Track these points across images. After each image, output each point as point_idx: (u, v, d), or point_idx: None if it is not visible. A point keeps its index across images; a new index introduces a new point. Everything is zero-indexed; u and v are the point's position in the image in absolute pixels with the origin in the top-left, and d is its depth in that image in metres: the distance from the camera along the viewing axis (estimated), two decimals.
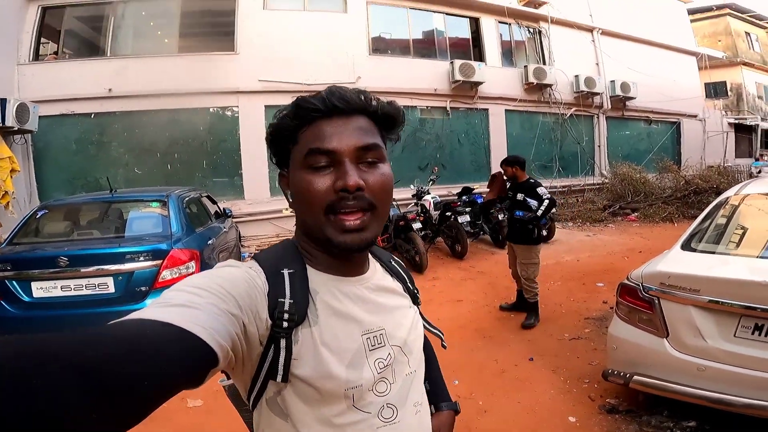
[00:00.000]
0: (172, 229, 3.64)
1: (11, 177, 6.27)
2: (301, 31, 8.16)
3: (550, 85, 10.27)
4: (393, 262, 0.84)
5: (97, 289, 3.20)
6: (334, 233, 0.63)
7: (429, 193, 6.96)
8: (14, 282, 3.16)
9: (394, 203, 6.51)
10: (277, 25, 8.07)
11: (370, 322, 0.69)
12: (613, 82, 11.14)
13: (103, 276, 3.21)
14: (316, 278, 0.67)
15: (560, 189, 10.06)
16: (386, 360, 0.68)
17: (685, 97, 12.77)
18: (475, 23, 10.18)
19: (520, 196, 3.90)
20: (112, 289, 3.20)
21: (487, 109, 9.95)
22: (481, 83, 9.32)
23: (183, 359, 0.43)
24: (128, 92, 7.27)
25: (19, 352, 0.31)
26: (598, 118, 11.53)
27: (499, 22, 10.32)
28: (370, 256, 0.77)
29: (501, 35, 10.40)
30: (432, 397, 0.89)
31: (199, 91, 7.47)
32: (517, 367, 3.20)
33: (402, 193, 7.42)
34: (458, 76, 8.95)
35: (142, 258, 3.23)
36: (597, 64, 11.43)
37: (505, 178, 4.34)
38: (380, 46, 9.13)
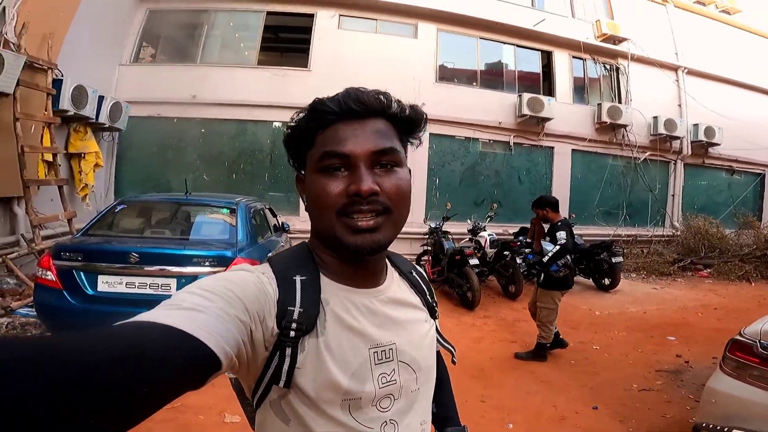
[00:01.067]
0: (238, 238, 3.67)
1: (94, 171, 6.74)
2: (372, 53, 8.34)
3: (624, 126, 9.70)
4: (414, 273, 0.81)
5: (160, 289, 3.25)
6: (344, 234, 0.62)
7: (485, 230, 6.87)
8: (82, 273, 3.21)
9: (449, 237, 6.32)
10: (349, 46, 8.31)
11: (380, 336, 0.67)
12: (696, 125, 10.23)
13: (167, 277, 3.26)
14: (328, 287, 0.66)
15: (625, 238, 9.43)
16: (390, 375, 0.67)
17: None
18: (546, 57, 9.90)
19: (547, 239, 3.91)
20: (173, 291, 3.24)
21: (552, 147, 9.56)
22: (549, 119, 9.00)
23: (185, 364, 0.43)
24: (209, 100, 7.70)
25: (19, 355, 0.31)
26: (675, 164, 10.69)
27: (573, 56, 9.96)
28: (388, 264, 0.76)
29: (574, 70, 10.01)
30: (439, 420, 0.87)
31: (271, 104, 7.77)
32: (579, 414, 3.03)
33: (457, 227, 7.25)
34: (525, 110, 8.69)
35: (207, 263, 3.26)
36: (680, 105, 10.61)
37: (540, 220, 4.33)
38: (446, 75, 9.12)
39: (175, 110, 7.73)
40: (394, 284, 0.75)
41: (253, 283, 0.59)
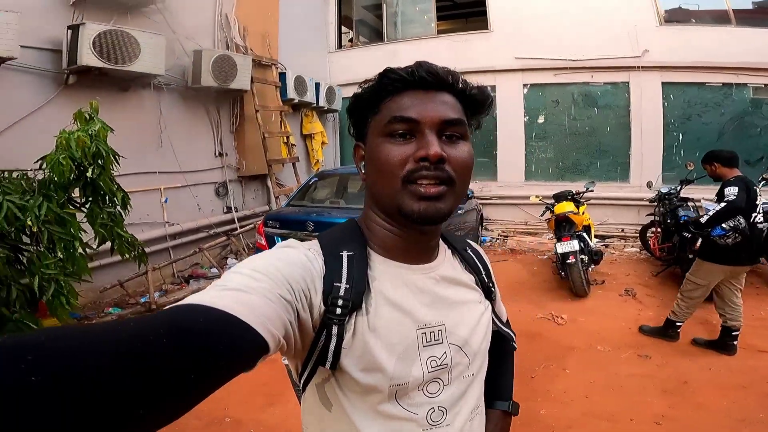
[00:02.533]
0: None
1: (322, 148, 8.03)
2: (558, 4, 7.15)
3: None
4: (468, 251, 0.79)
5: None
6: (409, 201, 0.61)
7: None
8: (279, 239, 3.90)
9: (689, 206, 4.76)
10: (530, 0, 7.34)
11: (429, 316, 0.66)
12: None
13: None
14: (377, 263, 0.66)
15: None
16: (440, 359, 0.65)
17: None
18: None
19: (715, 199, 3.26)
20: None
21: None
22: None
23: (232, 348, 0.43)
24: None
25: (67, 344, 0.32)
26: None
27: None
28: (441, 242, 0.74)
29: None
30: (488, 393, 0.83)
31: (458, 70, 7.48)
32: None
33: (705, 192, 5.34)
34: None
35: None
36: None
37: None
38: (676, 16, 7.01)
39: None
40: (447, 262, 0.73)
41: (299, 262, 0.59)
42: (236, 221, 5.96)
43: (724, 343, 3.22)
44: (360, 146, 0.70)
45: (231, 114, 6.14)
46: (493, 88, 7.61)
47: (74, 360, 0.30)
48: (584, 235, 4.63)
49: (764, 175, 5.14)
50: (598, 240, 5.97)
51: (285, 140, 6.88)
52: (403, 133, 0.62)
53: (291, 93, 6.73)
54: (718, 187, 3.22)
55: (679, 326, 3.41)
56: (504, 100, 7.53)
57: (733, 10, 6.84)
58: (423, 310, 0.65)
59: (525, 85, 7.41)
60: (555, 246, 4.43)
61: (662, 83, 6.71)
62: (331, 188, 4.75)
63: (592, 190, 5.18)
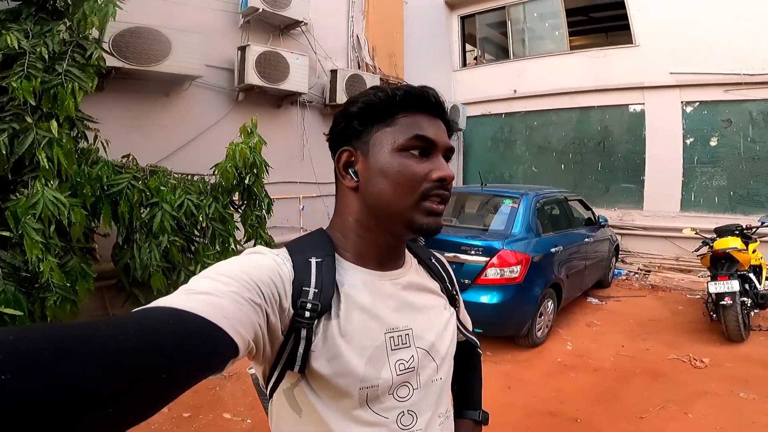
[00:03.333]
0: (513, 230, 3.58)
1: None
2: (719, 10, 6.16)
3: None
4: (433, 260, 0.82)
5: None
6: (419, 216, 0.65)
7: None
8: None
9: None
10: (684, 6, 6.43)
11: (396, 320, 0.67)
12: None
13: None
14: (346, 269, 0.67)
15: None
16: (408, 362, 0.66)
17: None
18: None
19: None
20: None
21: None
22: None
23: (202, 350, 0.43)
24: (529, 92, 7.83)
25: (36, 344, 0.32)
26: None
27: None
28: (407, 252, 0.76)
29: None
30: (458, 402, 0.89)
31: (597, 88, 7.14)
32: None
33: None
34: None
35: (473, 252, 3.36)
36: None
37: None
38: None
39: (500, 106, 8.23)
40: (413, 270, 0.75)
41: (267, 265, 0.59)
42: None
43: None
44: (350, 151, 0.68)
45: None
46: (642, 106, 6.86)
47: (44, 359, 0.30)
48: (751, 275, 3.94)
49: None
50: None
51: None
52: (421, 151, 0.65)
53: None
54: None
55: None
56: (655, 120, 6.72)
57: None
58: (391, 315, 0.66)
59: (686, 103, 6.49)
60: (707, 285, 3.87)
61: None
62: (448, 207, 4.74)
63: None
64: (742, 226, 4.25)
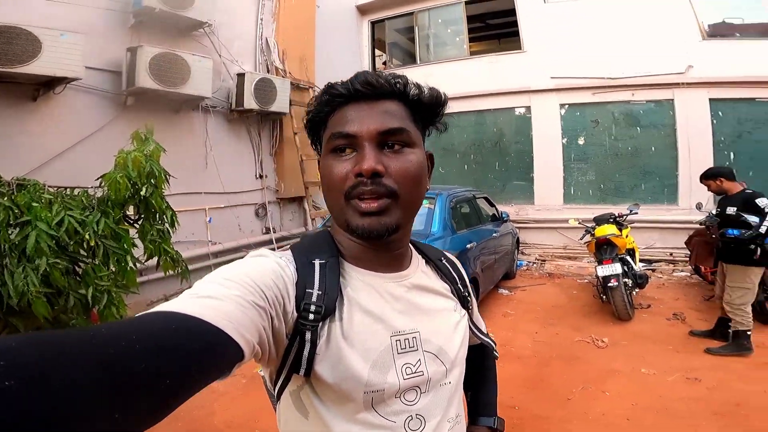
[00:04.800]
0: (432, 229, 3.69)
1: None
2: (593, 22, 7.08)
3: None
4: (443, 260, 0.79)
5: None
6: (353, 217, 0.62)
7: None
8: None
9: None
10: (563, 19, 7.28)
11: (402, 323, 0.65)
12: None
13: None
14: (349, 271, 0.66)
15: None
16: (415, 366, 0.65)
17: None
18: None
19: (731, 210, 3.47)
20: None
21: None
22: None
23: (207, 355, 0.43)
24: None
25: (39, 350, 0.31)
26: None
27: None
28: (414, 252, 0.74)
29: None
30: (472, 408, 0.88)
31: (492, 92, 7.65)
32: None
33: None
34: None
35: None
36: None
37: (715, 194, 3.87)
38: (719, 31, 6.76)
39: None
40: (420, 271, 0.73)
41: (270, 268, 0.59)
42: (274, 242, 6.09)
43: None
44: (319, 159, 0.70)
45: (271, 137, 6.36)
46: (528, 109, 7.57)
47: (47, 365, 0.30)
48: (627, 258, 4.51)
49: None
50: (643, 264, 5.68)
51: None
52: (344, 148, 0.62)
53: None
54: (733, 199, 3.48)
55: (750, 334, 3.43)
56: (540, 121, 7.44)
57: None
58: (397, 318, 0.65)
59: (562, 105, 7.29)
60: (595, 269, 4.33)
61: (709, 99, 6.45)
62: None
63: (635, 213, 4.98)
64: (615, 214, 4.88)
